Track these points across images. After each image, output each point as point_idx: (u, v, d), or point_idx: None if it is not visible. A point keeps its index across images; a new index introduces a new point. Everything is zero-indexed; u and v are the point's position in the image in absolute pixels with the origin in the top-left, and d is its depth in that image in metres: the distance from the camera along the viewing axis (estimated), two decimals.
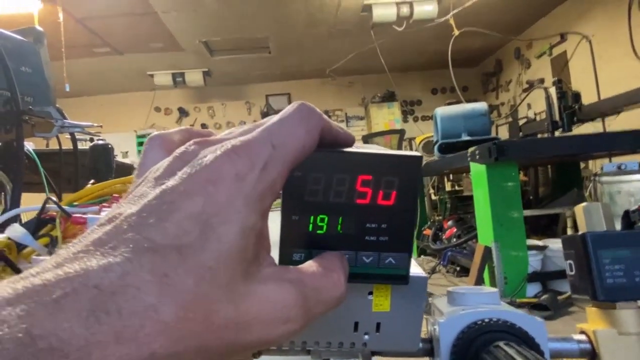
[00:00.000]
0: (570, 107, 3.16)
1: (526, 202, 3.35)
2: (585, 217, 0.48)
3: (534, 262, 2.55)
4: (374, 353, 0.38)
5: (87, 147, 1.36)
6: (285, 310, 0.19)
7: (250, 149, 0.19)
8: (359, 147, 0.24)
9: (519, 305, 2.18)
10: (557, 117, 3.21)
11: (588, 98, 3.44)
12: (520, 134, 3.89)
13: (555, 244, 2.64)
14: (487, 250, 2.47)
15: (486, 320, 0.38)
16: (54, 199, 0.64)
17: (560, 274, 2.51)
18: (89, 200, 0.68)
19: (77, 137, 1.39)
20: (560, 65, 5.43)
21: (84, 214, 0.62)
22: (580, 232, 0.47)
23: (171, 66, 6.70)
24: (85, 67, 6.13)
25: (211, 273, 0.17)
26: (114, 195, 0.69)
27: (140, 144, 7.10)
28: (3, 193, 1.09)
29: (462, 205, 4.46)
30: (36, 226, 0.65)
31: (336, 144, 0.23)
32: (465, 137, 3.37)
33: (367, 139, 5.65)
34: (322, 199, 0.23)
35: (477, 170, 2.64)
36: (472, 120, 3.41)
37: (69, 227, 0.62)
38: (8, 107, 1.08)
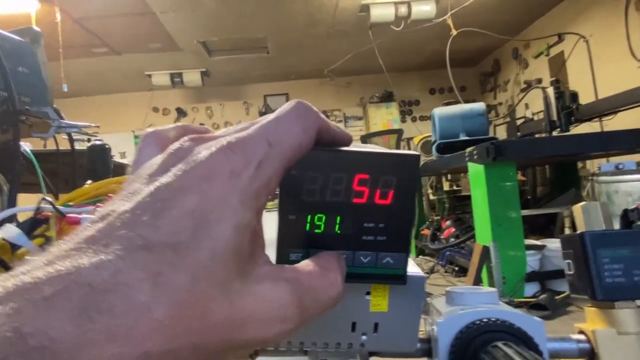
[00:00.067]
0: (568, 107, 3.16)
1: (524, 202, 3.36)
2: (583, 216, 0.48)
3: (532, 261, 2.56)
4: (371, 353, 0.38)
5: (85, 148, 1.36)
6: (281, 309, 0.19)
7: (245, 146, 0.19)
8: (356, 146, 0.24)
9: (517, 305, 2.18)
10: (554, 117, 3.22)
11: (585, 98, 3.44)
12: (518, 133, 3.89)
13: (553, 244, 2.65)
14: (486, 250, 2.48)
15: (484, 320, 0.38)
16: (49, 198, 0.64)
17: (559, 274, 2.51)
18: (84, 200, 0.68)
19: (74, 137, 1.39)
20: (558, 66, 5.44)
21: (79, 214, 0.62)
22: (579, 232, 0.46)
23: (169, 66, 6.69)
24: (83, 67, 6.12)
25: (206, 271, 0.17)
26: (110, 195, 0.68)
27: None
28: (0, 194, 1.08)
29: (460, 205, 4.46)
30: (31, 226, 0.64)
31: (333, 143, 0.23)
32: (463, 137, 3.37)
33: (365, 139, 5.66)
34: (320, 198, 0.23)
35: (475, 170, 2.64)
36: (470, 120, 3.42)
37: (64, 227, 0.62)
38: (5, 107, 1.08)
